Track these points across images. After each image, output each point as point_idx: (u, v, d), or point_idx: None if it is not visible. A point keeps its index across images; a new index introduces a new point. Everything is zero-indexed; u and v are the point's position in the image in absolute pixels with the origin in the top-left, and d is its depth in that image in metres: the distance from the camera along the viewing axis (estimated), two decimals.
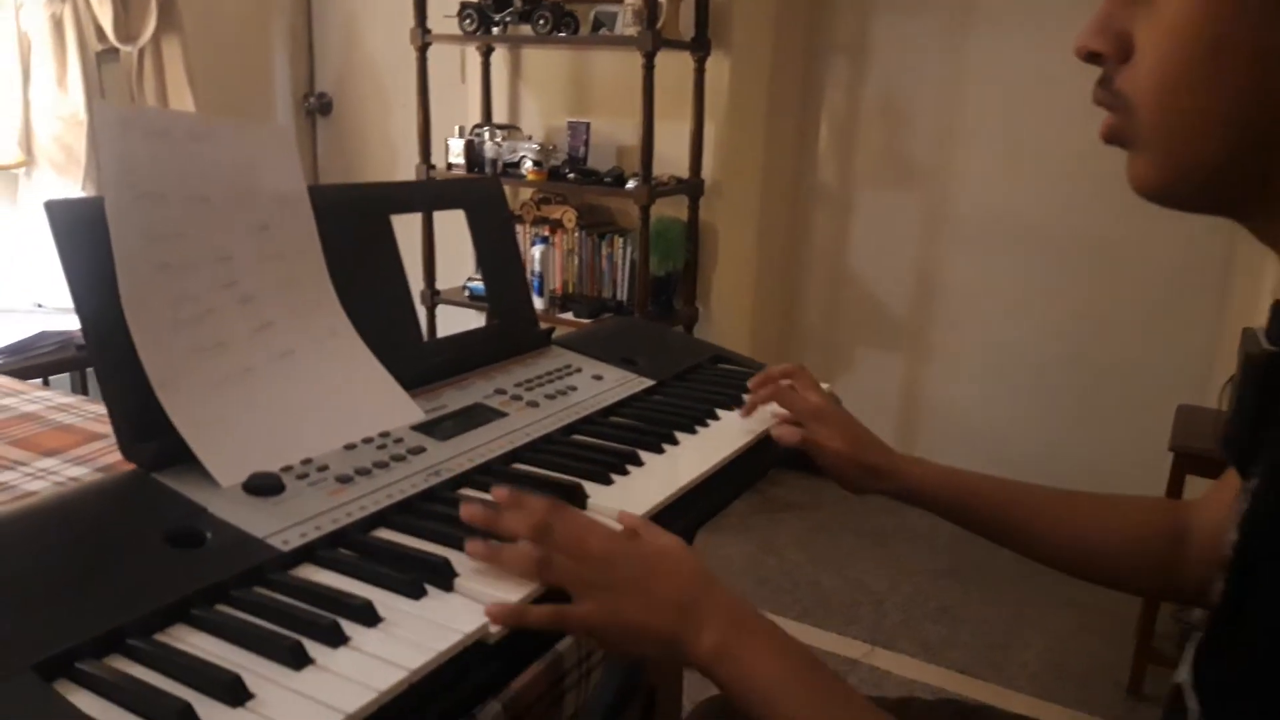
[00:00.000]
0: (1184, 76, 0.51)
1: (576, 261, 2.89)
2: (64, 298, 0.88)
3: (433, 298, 3.00)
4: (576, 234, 2.87)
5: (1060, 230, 2.66)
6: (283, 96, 3.49)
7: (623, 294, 2.85)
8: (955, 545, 2.65)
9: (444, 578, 0.65)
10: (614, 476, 0.84)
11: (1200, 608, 0.87)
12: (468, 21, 2.76)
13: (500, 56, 3.01)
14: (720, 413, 1.03)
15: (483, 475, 0.82)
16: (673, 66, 2.64)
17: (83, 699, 0.50)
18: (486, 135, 2.83)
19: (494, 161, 2.80)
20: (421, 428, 0.87)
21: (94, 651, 0.54)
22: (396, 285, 1.00)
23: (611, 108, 2.87)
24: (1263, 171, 0.51)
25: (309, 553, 0.66)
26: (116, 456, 0.76)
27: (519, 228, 2.95)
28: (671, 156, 2.76)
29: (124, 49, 2.84)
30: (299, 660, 0.54)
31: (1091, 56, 0.56)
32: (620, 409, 1.01)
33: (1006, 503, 0.91)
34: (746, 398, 1.01)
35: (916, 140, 2.80)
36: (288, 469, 0.75)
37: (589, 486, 0.81)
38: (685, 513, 0.83)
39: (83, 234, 0.72)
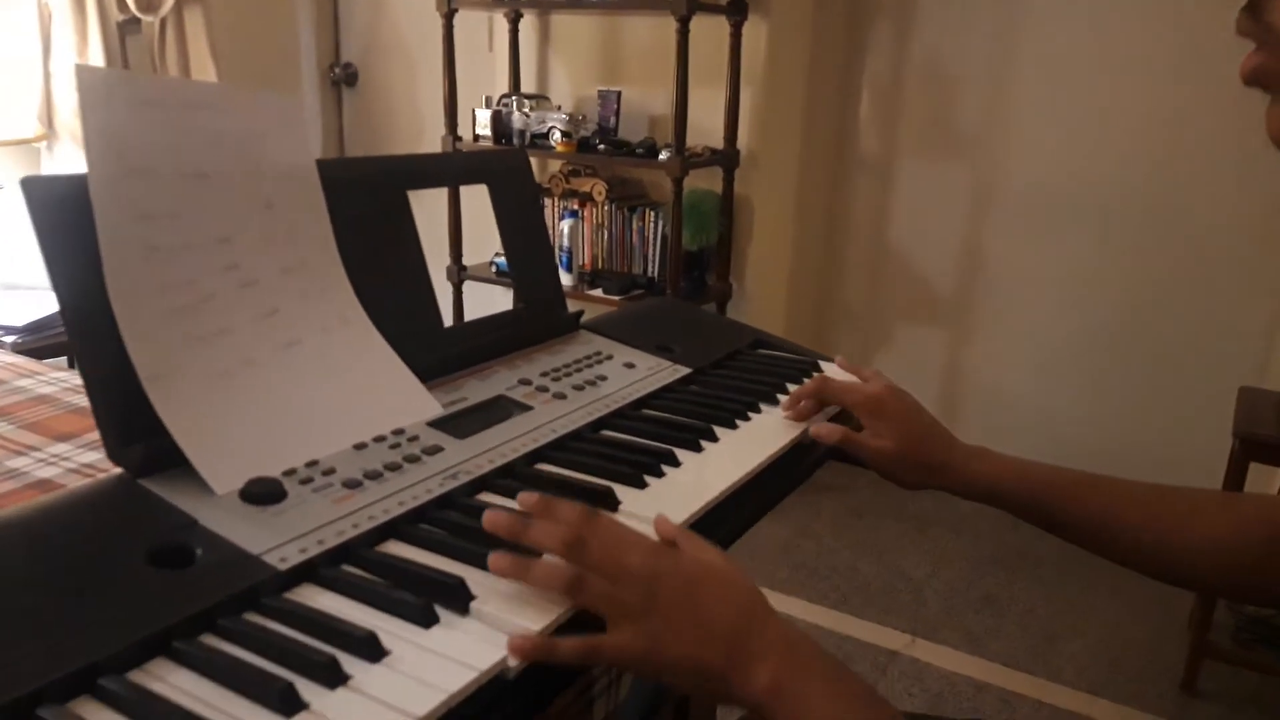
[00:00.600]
0: None
1: (606, 236, 2.81)
2: None
3: (459, 274, 2.93)
4: (606, 208, 2.78)
5: (1116, 203, 2.53)
6: (308, 68, 3.43)
7: (654, 270, 2.76)
8: (999, 531, 2.55)
9: (459, 600, 0.58)
10: (648, 479, 0.76)
11: None
12: None
13: (529, 23, 2.92)
14: (763, 406, 0.95)
15: (504, 478, 0.75)
16: (708, 31, 2.53)
17: None
18: (514, 105, 2.74)
19: (522, 132, 2.72)
20: (439, 424, 0.80)
21: (60, 694, 0.47)
22: (414, 267, 0.92)
23: (643, 76, 2.77)
24: None
25: (309, 571, 0.59)
26: None
27: (547, 201, 2.87)
28: (706, 126, 2.66)
29: (145, 19, 2.78)
30: (290, 706, 0.48)
31: None
32: (654, 401, 0.94)
33: (1086, 498, 0.83)
34: (786, 413, 0.92)
35: (964, 107, 2.67)
36: (290, 473, 0.69)
37: (620, 490, 0.74)
38: (726, 519, 0.76)
39: (63, 214, 0.65)
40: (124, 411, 0.66)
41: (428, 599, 0.56)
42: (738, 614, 0.59)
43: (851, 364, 1.00)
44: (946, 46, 2.66)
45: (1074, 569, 2.38)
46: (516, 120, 2.72)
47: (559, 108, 2.79)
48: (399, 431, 0.77)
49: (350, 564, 0.62)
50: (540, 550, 0.61)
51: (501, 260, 2.83)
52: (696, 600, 0.59)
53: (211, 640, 0.53)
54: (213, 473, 0.65)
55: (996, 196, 2.68)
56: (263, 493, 0.65)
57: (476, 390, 0.88)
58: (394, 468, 0.72)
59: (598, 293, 2.68)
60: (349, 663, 0.51)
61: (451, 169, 0.99)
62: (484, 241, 2.89)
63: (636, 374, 0.98)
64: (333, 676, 0.50)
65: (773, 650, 0.58)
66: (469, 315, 2.87)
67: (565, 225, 2.72)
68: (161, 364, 0.68)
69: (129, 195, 0.69)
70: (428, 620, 0.56)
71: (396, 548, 0.64)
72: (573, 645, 0.56)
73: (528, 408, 0.86)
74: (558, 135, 2.65)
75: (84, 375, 0.65)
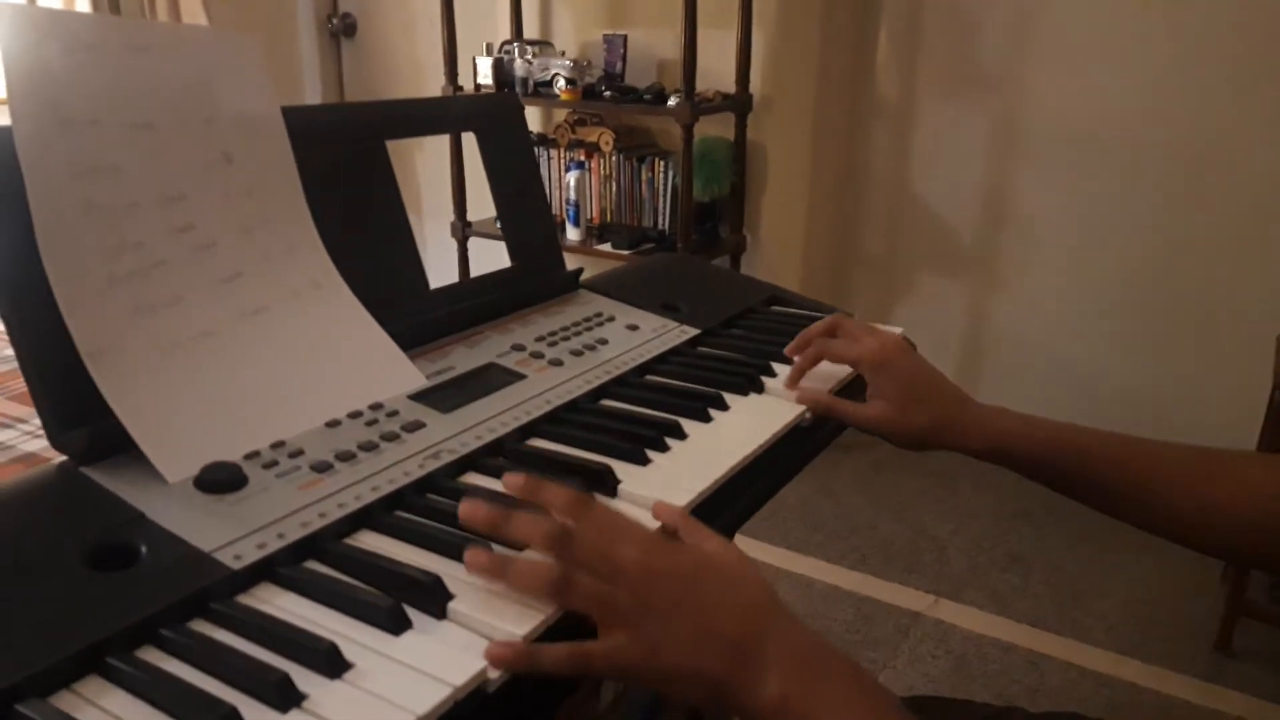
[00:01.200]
0: None
1: (614, 188, 2.71)
2: None
3: (464, 230, 2.85)
4: (614, 158, 2.68)
5: (1147, 146, 2.40)
6: (305, 18, 3.31)
7: (664, 222, 2.67)
8: (1025, 486, 2.46)
9: (435, 601, 0.51)
10: (651, 454, 0.69)
11: None
12: None
13: None
14: (777, 368, 0.87)
15: (492, 456, 0.68)
16: None
17: None
18: (516, 52, 2.63)
19: (525, 80, 2.61)
20: (421, 396, 0.73)
21: None
22: (395, 224, 0.85)
23: (650, 17, 2.65)
24: None
25: (267, 569, 0.53)
26: None
27: (552, 152, 2.77)
28: (716, 70, 2.54)
29: None
30: None
31: None
32: (659, 366, 0.86)
33: (1115, 460, 0.75)
34: (788, 367, 0.85)
35: (987, 46, 2.54)
36: (253, 456, 0.62)
37: (620, 468, 0.67)
38: (739, 496, 0.69)
39: None
40: (64, 392, 0.59)
41: (397, 601, 0.50)
42: (745, 616, 0.52)
43: (858, 322, 0.92)
44: None
45: (1103, 524, 2.29)
46: (519, 68, 2.61)
47: (563, 54, 2.68)
48: (376, 406, 0.71)
49: (315, 560, 0.55)
50: (522, 546, 0.54)
51: None
52: (698, 601, 0.52)
53: (151, 655, 0.47)
54: (164, 459, 0.59)
55: (1021, 140, 2.56)
56: (220, 480, 0.58)
57: (465, 358, 0.81)
58: (369, 447, 0.65)
59: (606, 247, 2.59)
60: (306, 679, 0.45)
61: (434, 116, 0.90)
62: (490, 195, 2.80)
63: (640, 336, 0.91)
64: (285, 698, 0.44)
65: (783, 658, 0.51)
66: (475, 274, 2.79)
67: (571, 177, 2.62)
68: (105, 338, 0.61)
69: (63, 149, 0.62)
70: (398, 626, 0.49)
71: (369, 539, 0.58)
72: (559, 653, 0.49)
73: (520, 376, 0.79)
74: (562, 83, 2.54)
75: (18, 352, 0.59)
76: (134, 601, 0.48)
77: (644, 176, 2.66)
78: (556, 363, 0.82)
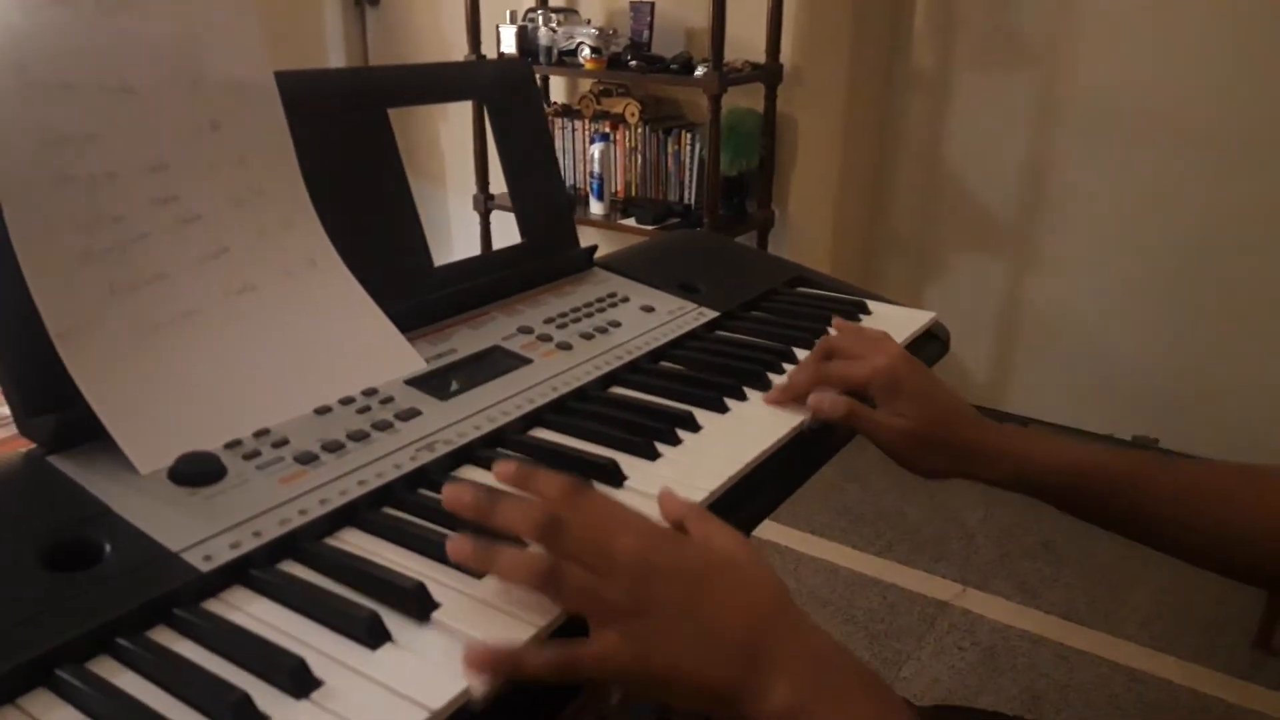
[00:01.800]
0: None
1: (639, 161, 2.65)
2: None
3: (486, 203, 2.80)
4: (640, 130, 2.61)
5: (1197, 121, 2.29)
6: None
7: (690, 197, 2.60)
8: None
9: (418, 610, 0.47)
10: (661, 447, 0.65)
11: None
12: None
13: None
14: (800, 354, 0.82)
15: (490, 448, 0.64)
16: None
17: None
18: (540, 20, 2.57)
19: (549, 50, 2.55)
20: (418, 382, 0.69)
21: None
22: (397, 198, 0.80)
23: None
24: None
25: (239, 571, 0.49)
26: None
27: (576, 123, 2.71)
28: (746, 39, 2.46)
29: None
30: None
31: None
32: (674, 351, 0.82)
33: (1153, 484, 0.68)
34: (777, 391, 0.74)
35: (1028, 13, 2.44)
36: (234, 445, 0.58)
37: (628, 462, 0.62)
38: (754, 495, 0.64)
39: None
40: (33, 375, 0.55)
41: (375, 612, 0.46)
42: (752, 618, 0.48)
43: (852, 326, 0.82)
44: None
45: None
46: (543, 36, 2.55)
47: (588, 22, 2.61)
48: (370, 392, 0.66)
49: (293, 560, 0.51)
50: (511, 534, 0.49)
51: None
52: (701, 599, 0.47)
53: (106, 666, 0.43)
54: (137, 448, 0.55)
55: (1062, 112, 2.46)
56: (195, 471, 0.55)
57: (468, 341, 0.77)
58: (359, 437, 0.61)
59: (630, 222, 2.54)
60: (269, 699, 0.41)
61: (439, 84, 0.86)
62: None
63: (655, 319, 0.86)
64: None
65: (793, 664, 0.46)
66: (498, 248, 2.75)
67: (596, 150, 2.56)
68: (77, 317, 0.57)
69: (32, 114, 0.58)
70: (375, 639, 0.45)
71: (353, 538, 0.54)
72: (545, 658, 0.45)
73: (526, 361, 0.75)
74: (587, 52, 2.48)
75: None
76: (91, 606, 0.45)
77: (670, 149, 2.60)
78: (565, 346, 0.78)
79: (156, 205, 0.63)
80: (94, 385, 0.56)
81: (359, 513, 0.55)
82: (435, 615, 0.47)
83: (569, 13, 2.63)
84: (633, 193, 2.68)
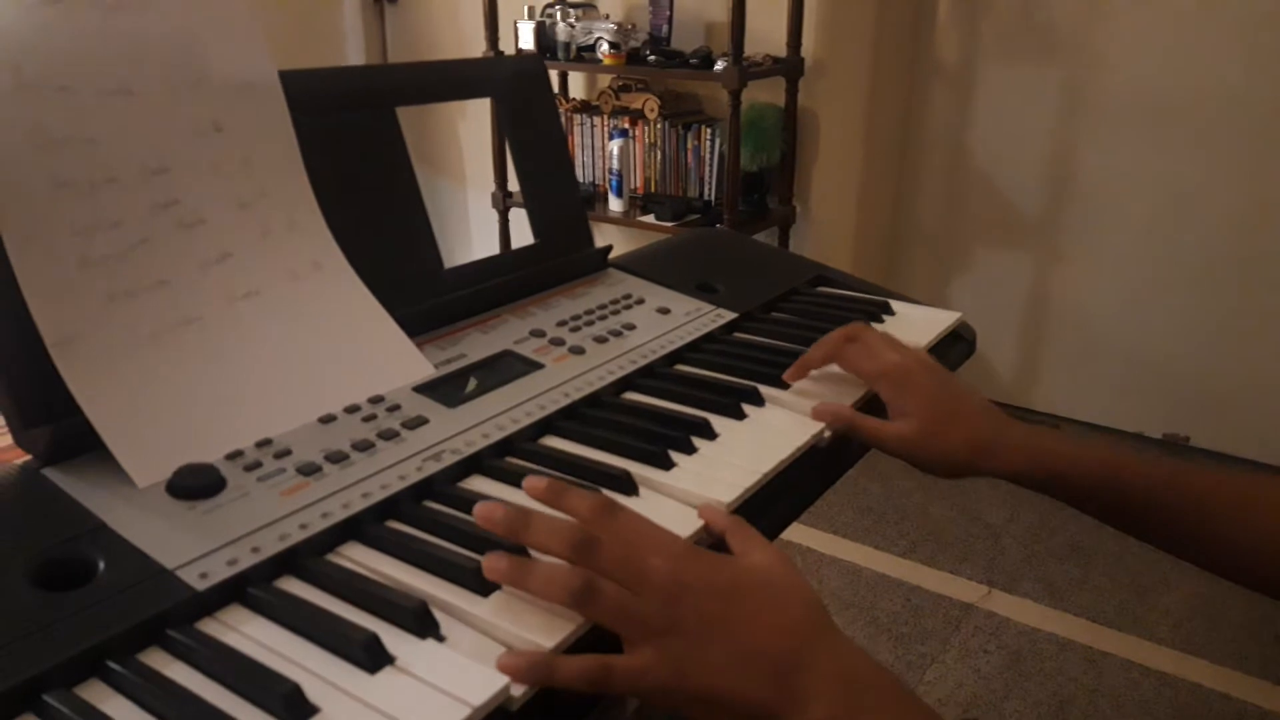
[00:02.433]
0: None
1: (659, 157, 2.62)
2: None
3: (504, 200, 2.78)
4: (659, 125, 2.59)
5: (1229, 114, 2.23)
6: None
7: (710, 193, 2.57)
8: None
9: (419, 632, 0.45)
10: (676, 456, 0.62)
11: None
12: None
13: None
14: None
15: (499, 457, 0.62)
16: None
17: None
18: (558, 15, 2.54)
19: (567, 45, 2.53)
20: (426, 389, 0.67)
21: None
22: (406, 200, 0.78)
23: None
24: None
25: (237, 589, 0.48)
26: None
27: (595, 119, 2.68)
28: (766, 32, 2.43)
29: None
30: None
31: None
32: (690, 354, 0.79)
33: (1187, 490, 0.65)
34: (795, 367, 0.74)
35: (1054, 3, 2.38)
36: (235, 456, 0.56)
37: (642, 472, 0.60)
38: (771, 506, 0.62)
39: None
40: (29, 385, 0.54)
41: (374, 635, 0.44)
42: (788, 635, 0.47)
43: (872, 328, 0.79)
44: None
45: None
46: (561, 31, 2.53)
47: (606, 16, 2.58)
48: (376, 399, 0.65)
49: (293, 577, 0.49)
50: (544, 552, 0.48)
51: None
52: (735, 617, 0.47)
53: (95, 691, 0.42)
54: (134, 460, 0.53)
55: (1089, 105, 2.40)
56: (194, 484, 0.53)
57: (478, 345, 0.75)
58: (364, 447, 0.59)
59: (649, 219, 2.51)
60: None
61: (449, 81, 0.84)
62: None
63: (671, 321, 0.83)
64: None
65: (829, 683, 0.46)
66: (517, 245, 2.74)
67: (615, 146, 2.54)
68: (74, 325, 0.56)
69: (28, 117, 0.56)
70: (374, 663, 0.43)
71: (356, 553, 0.52)
72: (577, 666, 0.44)
73: (537, 366, 0.73)
74: (605, 47, 2.45)
75: None
76: (82, 627, 0.43)
77: (689, 145, 2.57)
78: (578, 350, 0.75)
79: (157, 210, 0.62)
80: (91, 395, 0.54)
81: (362, 527, 0.53)
82: (436, 638, 0.45)
83: (587, 7, 2.61)
84: (652, 189, 2.65)
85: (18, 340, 0.54)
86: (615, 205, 2.56)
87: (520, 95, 0.87)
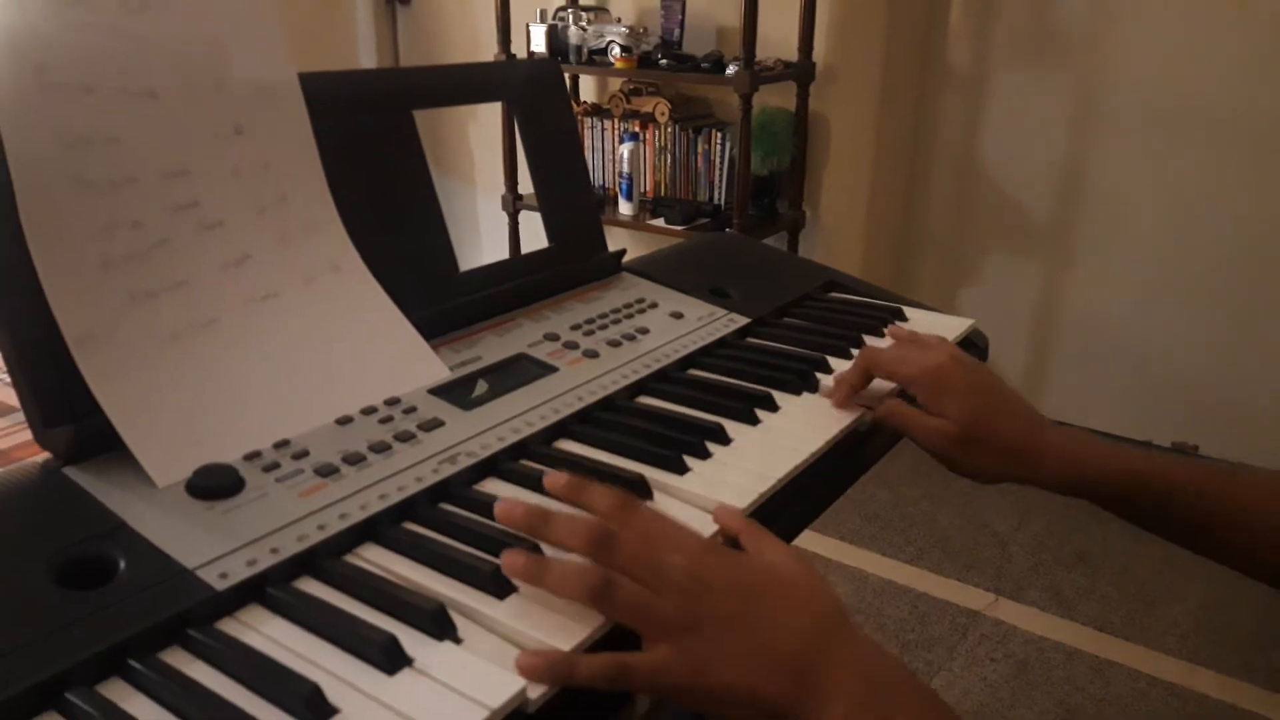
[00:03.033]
0: None
1: (669, 160, 2.62)
2: None
3: (515, 203, 2.79)
4: (670, 129, 2.59)
5: (1241, 119, 2.23)
6: None
7: (720, 197, 2.57)
8: None
9: (436, 634, 0.45)
10: (690, 461, 0.63)
11: None
12: None
13: None
14: (834, 363, 0.80)
15: (514, 460, 0.62)
16: None
17: None
18: (570, 19, 2.55)
19: (579, 48, 2.53)
20: (442, 391, 0.67)
21: None
22: (422, 202, 0.79)
23: None
24: None
25: (256, 590, 0.48)
26: None
27: (606, 123, 2.69)
28: (778, 37, 2.43)
29: None
30: None
31: None
32: (703, 359, 0.79)
33: (1208, 491, 0.66)
34: (847, 362, 0.75)
35: (1066, 9, 2.38)
36: (253, 456, 0.57)
37: (656, 476, 0.60)
38: (785, 510, 0.62)
39: None
40: (51, 384, 0.54)
41: (393, 636, 0.44)
42: (807, 634, 0.47)
43: (908, 331, 0.79)
44: None
45: None
46: (573, 35, 2.53)
47: (618, 20, 2.59)
48: (393, 402, 0.65)
49: (311, 577, 0.50)
50: (564, 549, 0.49)
51: None
52: (755, 615, 0.47)
53: (116, 689, 0.42)
54: (154, 459, 0.54)
55: (1100, 111, 2.40)
56: (213, 485, 0.53)
57: (493, 348, 0.75)
58: (381, 448, 0.59)
59: (659, 222, 2.51)
60: None
61: (466, 85, 0.84)
62: None
63: (684, 325, 0.83)
64: None
65: (848, 682, 0.46)
66: (527, 249, 2.74)
67: (625, 149, 2.54)
68: (95, 324, 0.56)
69: (51, 116, 0.57)
70: (393, 664, 0.43)
71: (373, 554, 0.52)
72: (597, 664, 0.44)
73: (551, 369, 0.73)
74: (617, 50, 2.46)
75: (0, 339, 0.54)
76: (103, 626, 0.43)
77: (700, 149, 2.57)
78: (592, 354, 0.76)
79: (177, 211, 0.62)
80: (110, 394, 0.55)
81: (379, 528, 0.54)
82: (452, 639, 0.45)
83: (599, 11, 2.62)
84: (662, 193, 2.66)
85: (39, 338, 0.54)
86: (625, 209, 2.56)
87: (537, 99, 0.87)
